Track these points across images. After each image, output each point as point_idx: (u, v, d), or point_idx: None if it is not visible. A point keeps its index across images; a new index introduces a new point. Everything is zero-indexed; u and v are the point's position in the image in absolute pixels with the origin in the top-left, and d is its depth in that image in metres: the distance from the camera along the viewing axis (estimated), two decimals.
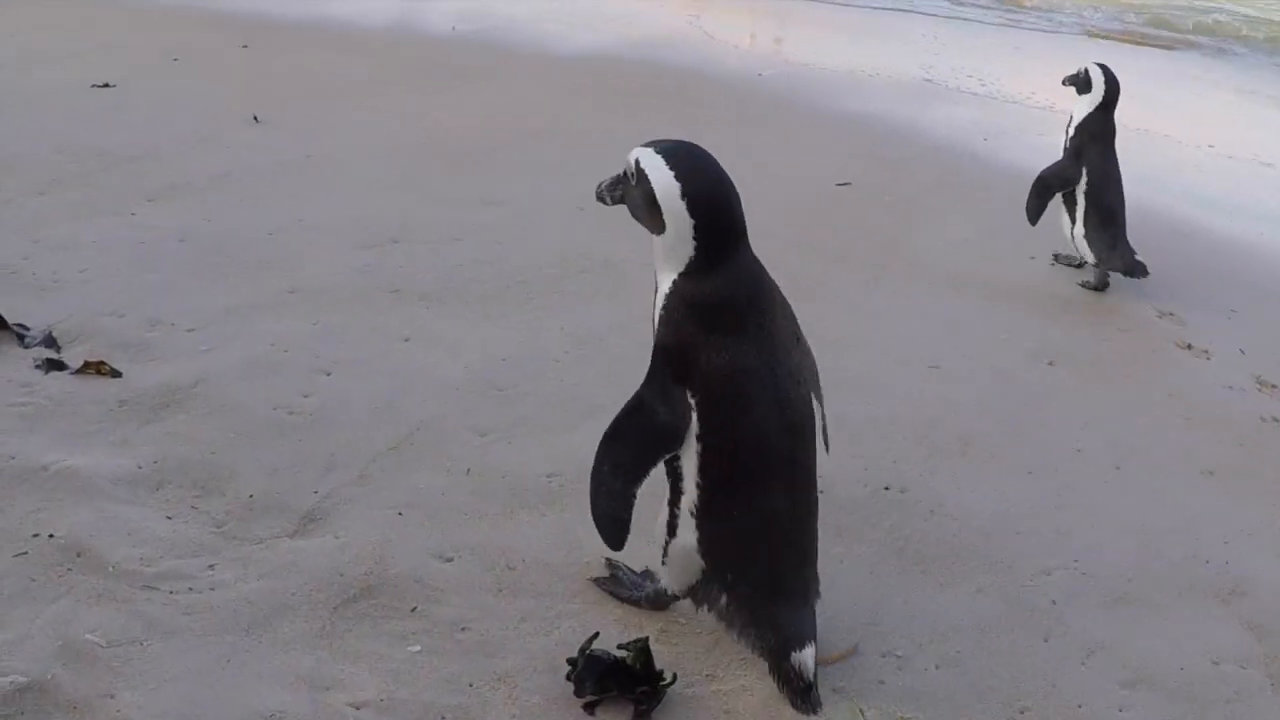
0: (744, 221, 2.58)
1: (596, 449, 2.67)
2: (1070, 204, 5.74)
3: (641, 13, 13.98)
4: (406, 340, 4.65)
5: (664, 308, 2.56)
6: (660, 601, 2.96)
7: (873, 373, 4.88)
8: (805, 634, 2.65)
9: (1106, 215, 5.68)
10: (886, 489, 4.08)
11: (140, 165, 6.51)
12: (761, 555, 2.64)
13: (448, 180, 6.61)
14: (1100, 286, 5.85)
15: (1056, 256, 6.18)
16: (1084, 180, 5.64)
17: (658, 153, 2.53)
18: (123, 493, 3.57)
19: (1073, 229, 5.78)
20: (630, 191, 2.61)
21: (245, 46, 9.82)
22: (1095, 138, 5.67)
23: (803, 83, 10.94)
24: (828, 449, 2.94)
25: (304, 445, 3.89)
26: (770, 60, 11.92)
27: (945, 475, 4.20)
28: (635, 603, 3.00)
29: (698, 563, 2.70)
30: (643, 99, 9.21)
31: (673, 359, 2.54)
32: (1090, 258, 5.77)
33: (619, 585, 3.06)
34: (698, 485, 2.60)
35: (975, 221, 7.11)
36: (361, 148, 7.18)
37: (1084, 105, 5.70)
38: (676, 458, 2.61)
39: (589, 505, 2.72)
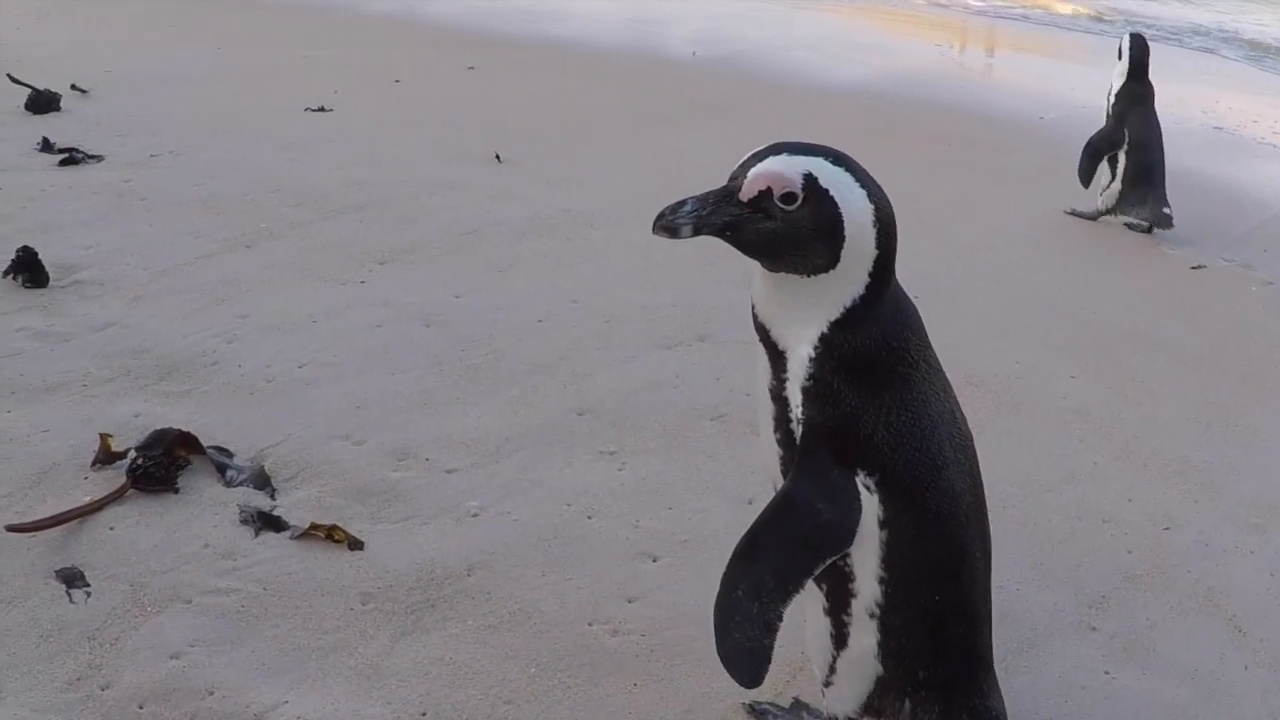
0: None
1: (725, 572, 2.02)
2: (1113, 162, 6.20)
3: (893, 43, 12.67)
4: (750, 504, 3.22)
5: (812, 376, 2.00)
6: None
7: None
8: (1004, 714, 2.24)
9: (1144, 172, 6.15)
10: None
11: (368, 215, 5.28)
12: (961, 636, 2.17)
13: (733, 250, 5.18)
14: (1092, 218, 6.40)
15: (1074, 211, 6.50)
16: (1126, 141, 6.13)
17: (834, 164, 1.96)
18: None
19: (1109, 183, 6.23)
20: (782, 218, 1.94)
21: (471, 68, 8.66)
22: (1134, 101, 6.18)
23: (1091, 128, 9.32)
24: None
25: (647, 693, 2.54)
26: (1048, 100, 10.32)
27: None
28: None
29: (874, 670, 2.17)
30: (916, 144, 7.91)
31: (836, 438, 2.00)
32: (1104, 206, 6.32)
33: None
34: (880, 580, 2.07)
35: None
36: (622, 200, 5.86)
37: (1118, 74, 6.22)
38: (844, 556, 2.06)
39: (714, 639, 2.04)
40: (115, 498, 3.09)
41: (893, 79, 10.31)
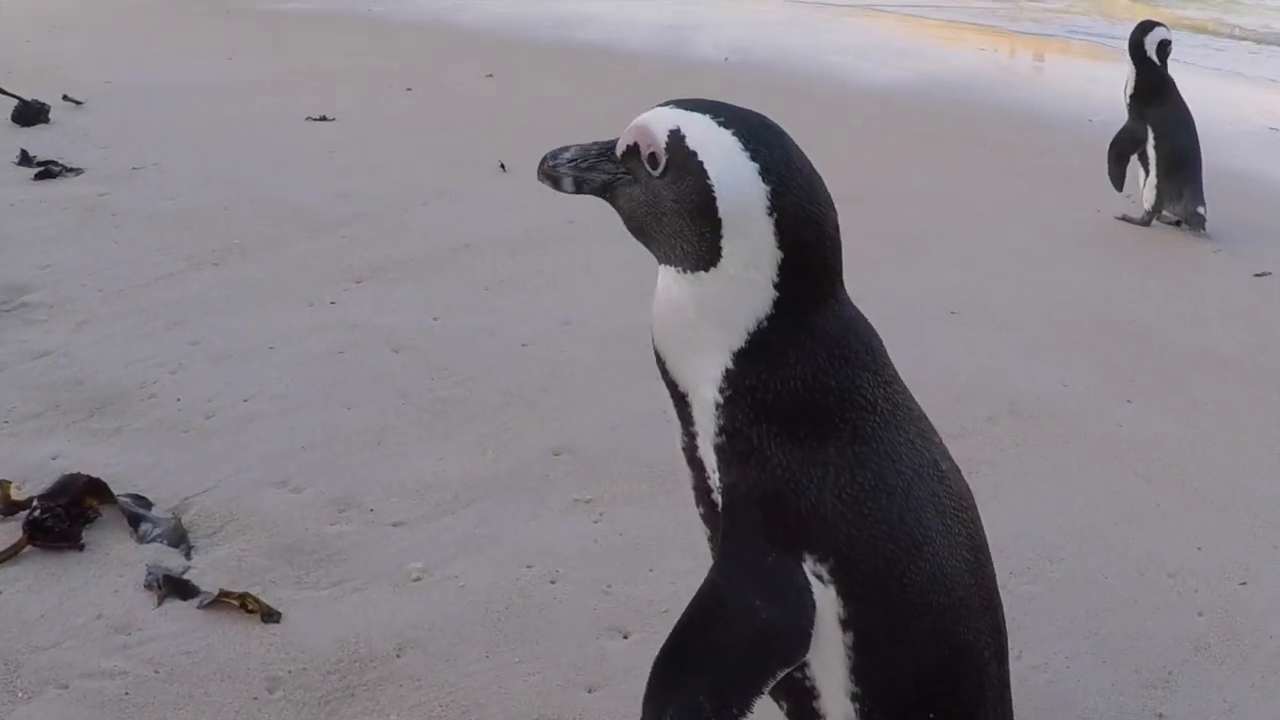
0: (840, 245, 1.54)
1: (646, 690, 1.53)
2: (1144, 159, 5.88)
3: (934, 49, 12.18)
4: None
5: (723, 430, 1.51)
6: None
7: None
8: None
9: (1177, 164, 5.79)
10: None
11: (353, 229, 4.85)
12: None
13: None
14: (1144, 223, 5.96)
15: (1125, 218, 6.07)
16: (1150, 137, 5.80)
17: (721, 124, 1.48)
18: None
19: (1145, 179, 5.90)
20: (645, 184, 1.54)
21: (490, 75, 8.24)
22: (1150, 92, 5.84)
23: None
24: None
25: None
26: (1096, 101, 9.76)
27: None
28: None
29: None
30: (956, 147, 7.43)
31: (767, 512, 1.49)
32: (1148, 204, 5.91)
33: None
34: (853, 696, 1.54)
35: None
36: None
37: (1129, 65, 5.88)
38: (801, 667, 1.54)
39: None
40: (8, 556, 2.65)
41: (933, 83, 9.84)
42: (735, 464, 1.55)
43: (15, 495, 2.85)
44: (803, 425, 1.52)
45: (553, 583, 2.68)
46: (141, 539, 2.76)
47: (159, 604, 2.53)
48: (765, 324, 1.52)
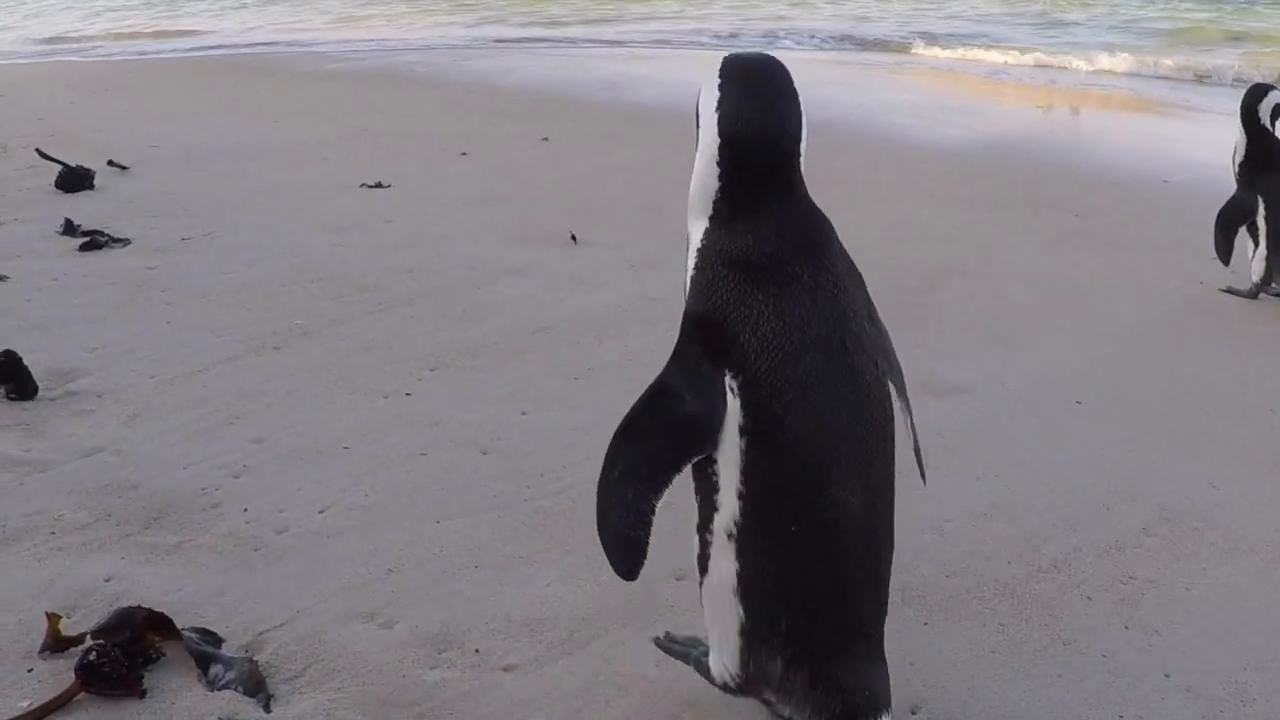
0: (793, 152, 2.05)
1: (607, 449, 1.96)
2: (1253, 230, 5.55)
3: (991, 107, 11.88)
4: (913, 715, 2.31)
5: (696, 266, 2.07)
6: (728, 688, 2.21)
7: None
8: (879, 700, 2.08)
9: None
10: None
11: (420, 309, 4.51)
12: (825, 588, 2.02)
13: None
14: (1251, 296, 5.61)
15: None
16: (1261, 206, 5.47)
17: (725, 58, 2.12)
18: None
19: (1254, 251, 5.56)
20: None
21: (546, 139, 7.92)
22: (1261, 162, 5.50)
23: (1224, 189, 8.40)
24: (924, 476, 2.36)
25: None
26: (1170, 160, 9.38)
27: None
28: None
29: (736, 612, 2.05)
30: (1036, 212, 7.10)
31: (706, 330, 2.02)
32: (1257, 276, 5.57)
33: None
34: (740, 495, 1.99)
35: None
36: None
37: (1239, 134, 5.57)
38: (712, 462, 1.99)
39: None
40: (56, 707, 2.29)
41: (998, 143, 9.51)
42: (696, 291, 2.03)
43: (65, 630, 2.46)
44: (743, 275, 1.99)
45: None
46: (212, 684, 2.39)
47: None
48: (719, 196, 2.04)
